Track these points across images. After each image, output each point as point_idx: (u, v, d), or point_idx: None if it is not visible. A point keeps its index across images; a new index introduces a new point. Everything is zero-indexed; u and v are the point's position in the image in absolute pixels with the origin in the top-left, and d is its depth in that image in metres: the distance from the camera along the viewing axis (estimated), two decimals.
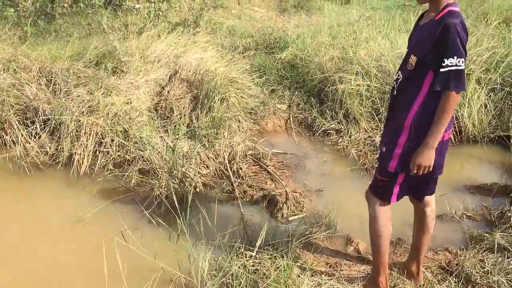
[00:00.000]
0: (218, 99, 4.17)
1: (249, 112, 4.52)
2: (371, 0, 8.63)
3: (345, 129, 4.43)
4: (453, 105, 2.09)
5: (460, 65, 2.03)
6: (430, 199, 2.52)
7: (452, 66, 2.02)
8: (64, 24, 6.36)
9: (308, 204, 3.45)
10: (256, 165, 3.95)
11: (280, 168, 3.94)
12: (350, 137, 4.34)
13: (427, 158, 2.16)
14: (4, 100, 3.94)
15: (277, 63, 5.45)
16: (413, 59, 2.19)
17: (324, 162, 4.09)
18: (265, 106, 4.71)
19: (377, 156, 3.42)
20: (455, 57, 2.02)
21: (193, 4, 6.88)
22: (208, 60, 4.87)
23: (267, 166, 3.88)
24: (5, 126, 3.88)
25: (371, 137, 4.35)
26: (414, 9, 7.87)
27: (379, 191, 2.43)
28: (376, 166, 2.51)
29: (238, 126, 4.29)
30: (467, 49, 2.13)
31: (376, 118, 4.46)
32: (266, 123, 4.62)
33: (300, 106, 4.84)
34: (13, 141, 3.86)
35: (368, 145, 4.27)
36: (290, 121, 4.70)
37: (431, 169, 2.20)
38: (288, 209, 3.36)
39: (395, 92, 2.32)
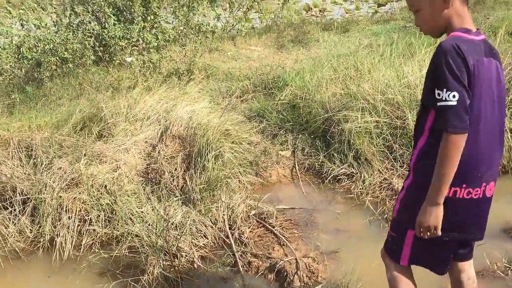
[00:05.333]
0: (212, 156, 3.76)
1: (249, 165, 4.09)
2: (371, 26, 8.27)
3: (357, 173, 3.98)
4: (453, 150, 1.66)
5: (450, 100, 1.62)
6: (464, 265, 2.06)
7: (441, 100, 1.64)
8: (54, 87, 6.09)
9: (323, 271, 2.97)
10: (261, 226, 3.50)
11: (288, 227, 3.48)
12: (363, 182, 3.88)
13: (429, 216, 1.74)
14: None
15: (276, 105, 5.04)
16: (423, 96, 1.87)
17: (338, 215, 3.62)
18: (266, 155, 4.29)
19: None
20: (444, 90, 1.63)
21: (185, 52, 6.59)
22: (200, 112, 4.50)
23: (273, 227, 3.43)
24: None
25: (387, 179, 3.89)
26: (415, 31, 7.49)
27: (390, 249, 2.03)
28: None
29: (238, 183, 3.86)
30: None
31: (390, 157, 4.00)
32: (270, 175, 4.18)
33: (306, 151, 4.40)
34: None
35: (385, 189, 3.81)
36: (295, 169, 4.26)
37: (438, 231, 1.77)
38: (300, 281, 2.89)
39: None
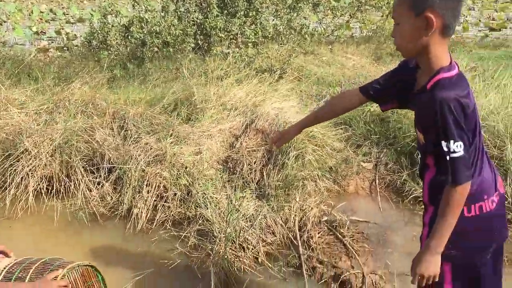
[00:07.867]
0: (293, 155, 3.73)
1: (328, 170, 4.01)
2: (478, 50, 7.82)
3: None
4: (463, 199, 1.63)
5: (457, 151, 1.58)
6: None
7: (449, 152, 1.59)
8: (153, 68, 6.38)
9: None
10: (331, 234, 3.41)
11: (359, 240, 3.36)
12: None
13: (432, 266, 1.69)
14: (73, 144, 3.83)
15: (365, 116, 4.90)
16: (420, 136, 1.79)
17: (414, 237, 3.44)
18: (347, 164, 4.18)
19: None
20: (451, 141, 1.58)
21: (282, 51, 6.62)
22: (288, 110, 4.48)
23: (344, 237, 3.33)
24: (70, 172, 3.75)
25: None
26: None
27: None
28: None
29: (314, 186, 3.79)
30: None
31: None
32: (348, 184, 4.06)
33: (389, 166, 4.23)
34: (76, 188, 3.71)
35: None
36: (375, 183, 4.11)
37: (436, 277, 1.72)
38: None
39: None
